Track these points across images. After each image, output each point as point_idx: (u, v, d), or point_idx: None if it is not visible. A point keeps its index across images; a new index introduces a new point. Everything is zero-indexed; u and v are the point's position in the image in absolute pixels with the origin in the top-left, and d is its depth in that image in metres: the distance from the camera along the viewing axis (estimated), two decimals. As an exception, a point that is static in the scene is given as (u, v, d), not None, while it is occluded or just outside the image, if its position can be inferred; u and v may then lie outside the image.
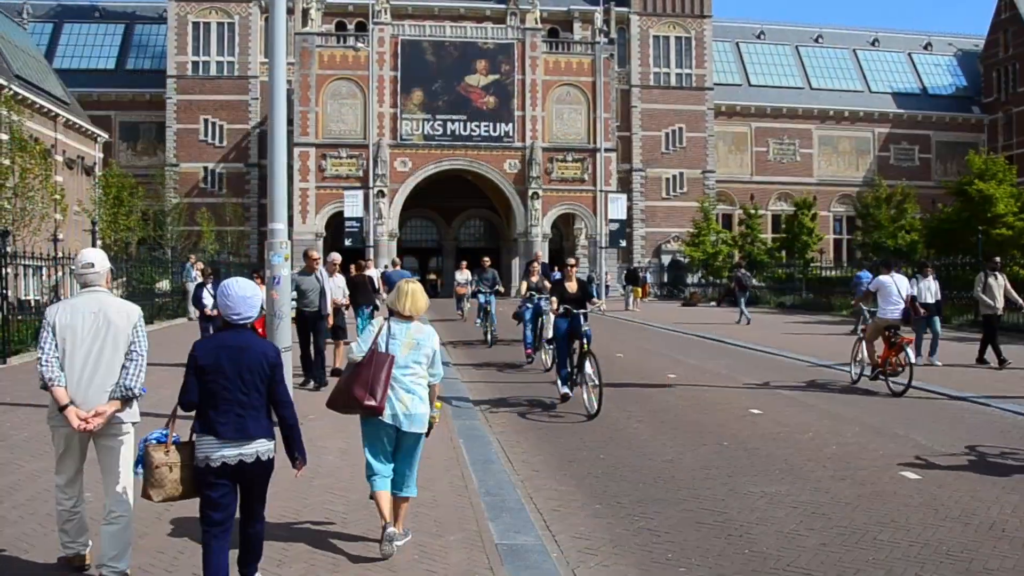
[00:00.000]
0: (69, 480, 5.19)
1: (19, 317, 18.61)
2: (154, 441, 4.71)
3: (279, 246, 10.03)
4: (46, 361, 5.01)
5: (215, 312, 12.52)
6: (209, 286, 13.88)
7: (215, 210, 55.00)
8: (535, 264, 17.20)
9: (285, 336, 9.95)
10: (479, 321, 20.68)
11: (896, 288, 12.94)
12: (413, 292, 5.85)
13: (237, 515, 4.80)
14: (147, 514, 5.93)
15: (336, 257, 14.30)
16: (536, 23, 54.13)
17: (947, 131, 67.84)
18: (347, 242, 45.90)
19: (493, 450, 8.74)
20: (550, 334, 12.64)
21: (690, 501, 6.98)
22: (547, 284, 15.44)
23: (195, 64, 58.74)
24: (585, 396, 10.79)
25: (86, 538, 5.27)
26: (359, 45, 50.28)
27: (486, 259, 21.78)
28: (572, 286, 11.78)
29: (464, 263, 28.55)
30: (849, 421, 10.45)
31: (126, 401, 5.08)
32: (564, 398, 11.32)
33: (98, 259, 5.32)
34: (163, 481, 4.68)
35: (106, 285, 5.31)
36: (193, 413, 4.71)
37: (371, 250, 43.40)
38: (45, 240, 24.49)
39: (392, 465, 5.74)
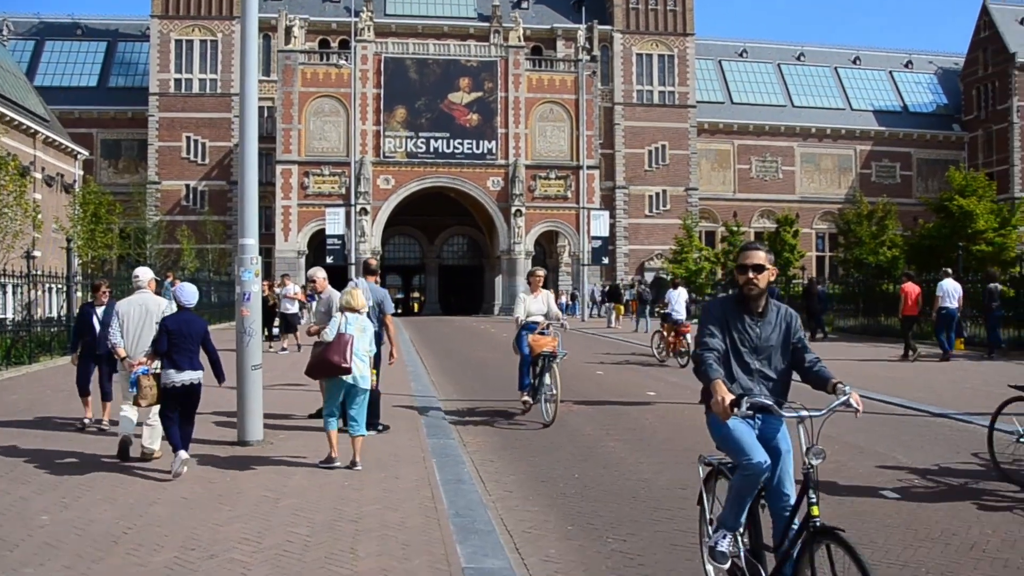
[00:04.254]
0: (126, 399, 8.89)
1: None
2: (142, 373, 8.16)
3: (249, 262, 9.85)
4: (113, 333, 8.95)
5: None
6: (99, 310, 11.08)
7: (196, 228, 54.76)
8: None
9: (256, 354, 9.78)
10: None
11: (675, 297, 20.57)
12: (358, 294, 8.76)
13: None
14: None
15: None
16: (519, 41, 54.21)
17: (928, 148, 68.32)
18: (329, 259, 45.60)
19: (465, 470, 8.55)
20: None
21: (665, 522, 6.81)
22: None
23: (177, 82, 58.62)
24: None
25: (131, 434, 8.73)
26: (342, 63, 50.24)
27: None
28: None
29: (539, 273, 12.65)
30: (829, 438, 10.30)
31: (155, 355, 8.28)
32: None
33: (142, 273, 9.53)
34: (147, 395, 8.17)
35: (150, 287, 9.42)
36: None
37: (352, 268, 43.22)
38: (19, 257, 24.16)
39: (338, 413, 8.55)
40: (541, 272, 12.72)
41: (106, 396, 10.87)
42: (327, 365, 8.28)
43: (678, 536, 6.41)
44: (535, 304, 12.28)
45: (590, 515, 7.06)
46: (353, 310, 8.63)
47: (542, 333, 11.94)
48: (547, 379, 11.51)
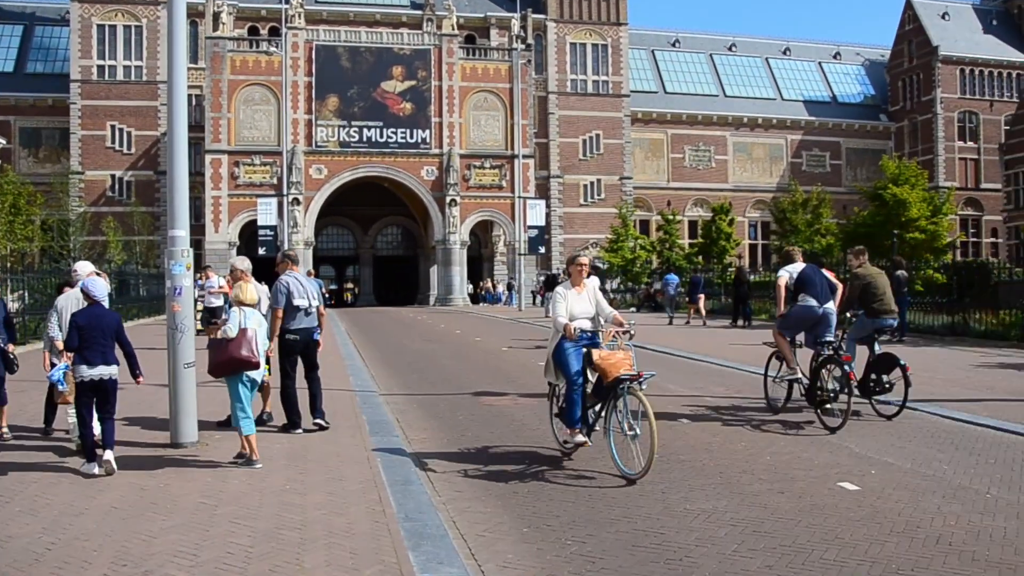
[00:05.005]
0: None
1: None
2: (66, 369, 8.45)
3: (180, 254, 9.35)
4: (52, 327, 9.24)
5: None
6: None
7: (123, 219, 53.19)
8: None
9: (188, 351, 9.29)
10: None
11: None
12: (248, 288, 8.75)
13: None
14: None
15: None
16: (453, 29, 53.73)
17: (856, 138, 69.60)
18: (261, 251, 44.64)
19: (413, 470, 8.21)
20: None
21: (623, 522, 6.55)
22: None
23: (101, 68, 56.82)
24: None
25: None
26: (272, 50, 49.17)
27: None
28: None
29: (582, 260, 8.86)
30: (779, 428, 10.20)
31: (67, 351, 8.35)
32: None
33: (81, 267, 9.52)
34: (72, 390, 8.23)
35: None
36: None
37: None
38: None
39: (250, 413, 8.33)
40: (585, 258, 8.89)
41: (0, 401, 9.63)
42: (235, 362, 8.24)
43: (639, 536, 6.17)
44: (580, 303, 8.54)
45: (545, 515, 6.78)
46: (245, 304, 8.59)
47: (608, 346, 8.15)
48: (623, 409, 7.76)
